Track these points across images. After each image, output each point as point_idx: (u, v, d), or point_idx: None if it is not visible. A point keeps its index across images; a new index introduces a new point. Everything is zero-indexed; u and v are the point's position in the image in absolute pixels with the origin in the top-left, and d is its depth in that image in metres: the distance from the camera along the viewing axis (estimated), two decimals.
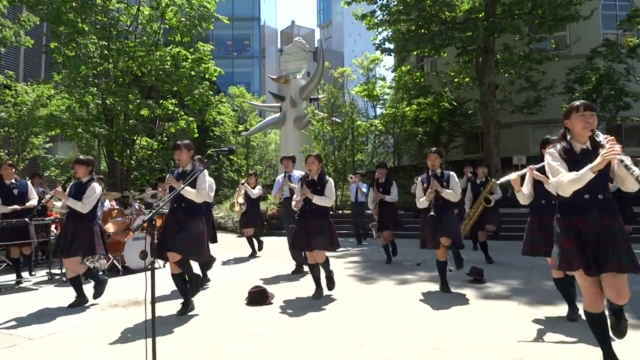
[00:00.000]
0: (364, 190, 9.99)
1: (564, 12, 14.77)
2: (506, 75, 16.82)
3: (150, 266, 2.99)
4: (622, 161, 2.56)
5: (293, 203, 5.33)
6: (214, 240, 6.93)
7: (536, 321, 4.12)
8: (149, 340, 2.87)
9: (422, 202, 5.33)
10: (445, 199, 5.25)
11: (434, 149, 5.52)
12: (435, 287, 5.71)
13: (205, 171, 4.63)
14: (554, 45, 17.54)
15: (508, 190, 10.62)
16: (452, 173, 5.36)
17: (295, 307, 4.85)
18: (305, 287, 5.94)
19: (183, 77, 14.51)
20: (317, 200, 5.19)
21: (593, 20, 16.01)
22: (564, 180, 2.77)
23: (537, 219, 4.26)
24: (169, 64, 14.36)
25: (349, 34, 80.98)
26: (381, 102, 21.40)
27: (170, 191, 4.64)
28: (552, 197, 3.61)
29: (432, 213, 5.18)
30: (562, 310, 4.45)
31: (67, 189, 5.38)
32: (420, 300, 5.06)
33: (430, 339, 3.70)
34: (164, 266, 7.74)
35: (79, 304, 5.12)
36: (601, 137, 2.76)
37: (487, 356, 3.29)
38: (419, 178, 5.51)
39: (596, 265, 2.77)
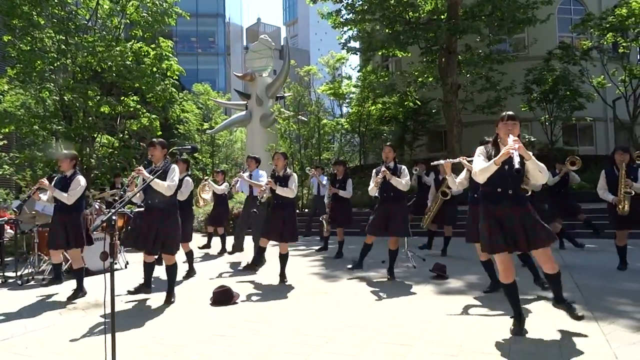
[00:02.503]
0: (325, 183, 10.12)
1: (522, 15, 15.28)
2: (468, 75, 17.24)
3: (109, 267, 2.91)
4: (511, 154, 3.25)
5: (256, 192, 6.11)
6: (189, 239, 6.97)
7: (495, 315, 4.25)
8: (109, 343, 2.80)
9: (371, 188, 5.89)
10: (396, 190, 5.79)
11: (389, 143, 6.16)
12: (399, 283, 5.82)
13: (176, 166, 4.90)
14: (512, 47, 18.09)
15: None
16: (404, 167, 5.94)
17: (261, 307, 4.83)
18: (271, 287, 5.92)
19: (145, 73, 14.15)
20: (279, 191, 5.79)
21: (549, 24, 16.63)
22: (476, 169, 3.61)
23: (474, 209, 4.98)
24: (130, 59, 13.97)
25: (315, 33, 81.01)
26: (347, 100, 21.55)
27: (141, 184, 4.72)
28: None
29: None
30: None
31: (52, 182, 5.57)
32: (385, 297, 5.13)
33: (394, 335, 3.76)
34: (126, 267, 7.55)
35: (76, 296, 5.36)
36: (510, 138, 3.42)
37: (449, 350, 3.37)
38: (374, 170, 6.00)
39: (513, 245, 3.51)
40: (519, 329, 3.62)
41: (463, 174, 4.87)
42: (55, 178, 5.70)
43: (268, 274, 6.71)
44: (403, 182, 5.74)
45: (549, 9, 16.04)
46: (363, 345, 3.53)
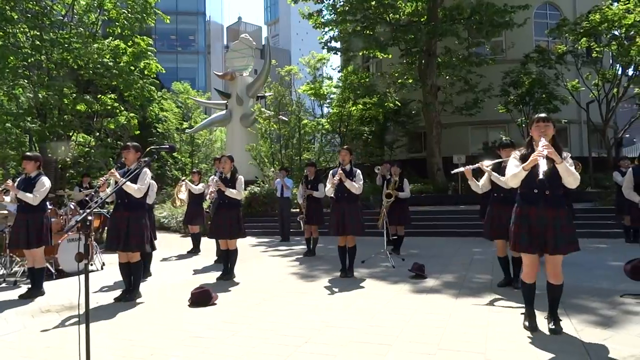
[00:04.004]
0: (289, 185, 10.29)
1: (500, 19, 15.54)
2: (447, 77, 17.46)
3: (84, 269, 2.85)
4: (543, 157, 3.21)
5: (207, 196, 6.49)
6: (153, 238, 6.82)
7: (472, 313, 4.31)
8: (83, 346, 2.75)
9: (328, 189, 6.19)
10: (350, 192, 6.07)
11: (345, 146, 6.52)
12: (378, 283, 5.85)
13: (147, 170, 5.03)
14: (490, 50, 18.39)
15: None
16: (359, 170, 6.22)
17: (240, 307, 4.80)
18: (250, 287, 5.89)
19: (123, 71, 13.93)
20: (229, 192, 6.12)
21: (526, 28, 16.96)
22: (508, 175, 3.63)
23: (494, 207, 5.11)
24: (107, 57, 13.74)
25: (297, 32, 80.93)
26: (328, 101, 21.59)
27: (114, 186, 4.83)
28: (504, 191, 4.81)
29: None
30: (495, 302, 4.69)
31: (16, 183, 5.56)
32: (364, 296, 5.15)
33: (373, 335, 3.78)
34: (102, 268, 7.42)
35: (32, 295, 5.39)
36: (541, 142, 3.36)
37: (427, 349, 3.40)
38: (331, 171, 6.26)
39: (539, 247, 3.52)
40: (534, 324, 3.74)
41: (484, 178, 5.05)
42: (18, 179, 5.70)
43: (247, 275, 6.68)
44: (356, 185, 6.04)
45: (525, 13, 16.36)
46: (342, 345, 3.54)
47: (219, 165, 6.99)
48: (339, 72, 21.25)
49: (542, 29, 19.43)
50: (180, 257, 8.94)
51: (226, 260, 6.42)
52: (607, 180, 12.36)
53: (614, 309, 4.21)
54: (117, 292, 5.38)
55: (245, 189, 14.72)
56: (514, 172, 3.54)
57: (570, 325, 3.84)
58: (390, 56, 17.85)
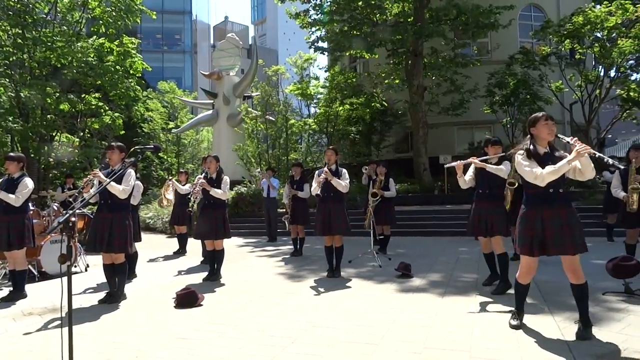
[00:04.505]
0: (275, 185, 10.29)
1: (485, 20, 15.69)
2: (433, 78, 17.58)
3: (67, 270, 2.81)
4: (595, 154, 3.28)
5: (192, 197, 6.43)
6: (138, 239, 6.74)
7: (457, 312, 4.35)
8: (66, 349, 2.71)
9: (314, 188, 6.21)
10: (337, 191, 6.10)
11: (331, 146, 6.55)
12: (365, 282, 5.87)
13: (132, 171, 4.97)
14: (476, 51, 18.56)
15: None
16: (344, 170, 6.25)
17: (226, 308, 4.77)
18: (236, 288, 5.87)
19: (107, 70, 13.77)
20: (213, 192, 6.11)
21: (511, 29, 17.14)
22: (544, 173, 3.40)
23: (477, 204, 5.13)
24: (92, 56, 13.57)
25: (284, 32, 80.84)
26: (315, 101, 21.57)
27: (97, 187, 4.80)
28: (488, 187, 4.99)
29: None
30: (480, 301, 4.73)
31: None
32: (350, 296, 5.16)
33: (359, 334, 3.78)
34: (86, 270, 7.33)
35: (14, 298, 5.31)
36: (567, 138, 3.42)
37: (413, 347, 3.42)
38: (317, 172, 6.30)
39: (545, 249, 3.49)
40: (519, 323, 3.79)
41: (469, 173, 5.09)
42: (1, 180, 5.62)
43: (234, 276, 6.65)
44: (343, 183, 6.06)
45: (510, 15, 16.54)
46: (328, 345, 3.54)
47: (205, 165, 7.01)
48: (325, 72, 21.27)
49: (526, 31, 19.66)
50: (166, 257, 8.87)
51: (212, 260, 6.39)
52: (589, 180, 12.60)
53: (597, 306, 4.28)
54: (102, 294, 5.32)
55: (231, 189, 14.70)
56: (552, 169, 3.37)
57: (554, 322, 3.90)
58: (377, 56, 17.91)
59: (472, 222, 5.18)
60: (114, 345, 3.67)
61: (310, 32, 18.05)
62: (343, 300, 4.97)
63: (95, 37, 14.05)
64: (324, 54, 19.03)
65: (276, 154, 20.00)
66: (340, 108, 19.60)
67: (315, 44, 17.55)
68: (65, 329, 2.73)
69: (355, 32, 16.56)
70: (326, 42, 17.75)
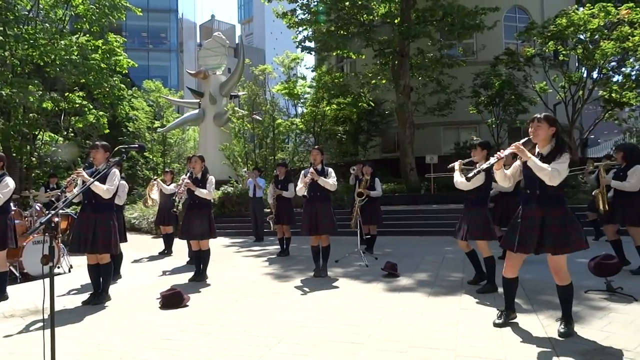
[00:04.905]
0: (261, 185, 10.28)
1: (471, 21, 15.82)
2: (420, 78, 17.67)
3: (49, 271, 2.77)
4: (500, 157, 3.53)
5: (177, 198, 6.35)
6: (123, 239, 6.68)
7: (443, 311, 4.38)
8: (48, 352, 2.66)
9: (300, 188, 6.17)
10: (323, 191, 6.11)
11: (316, 146, 6.51)
12: (351, 282, 5.88)
13: (116, 170, 4.91)
14: (462, 52, 18.71)
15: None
16: (330, 169, 6.27)
17: (212, 309, 4.74)
18: (222, 288, 5.83)
19: (92, 69, 13.58)
20: (198, 192, 6.07)
21: (496, 31, 17.31)
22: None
23: (464, 208, 5.24)
24: (75, 54, 13.38)
25: (271, 32, 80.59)
26: (302, 101, 21.57)
27: (81, 186, 4.73)
28: (474, 192, 5.02)
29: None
30: (466, 300, 4.78)
31: None
32: (337, 296, 5.17)
33: (345, 334, 3.79)
34: (69, 271, 7.22)
35: None
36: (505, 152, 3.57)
37: (399, 347, 3.44)
38: (302, 172, 6.33)
39: (525, 247, 3.57)
40: (504, 321, 3.83)
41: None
42: None
43: (220, 276, 6.61)
44: (330, 182, 6.06)
45: (495, 16, 16.71)
46: (315, 344, 3.54)
47: (190, 164, 6.96)
48: (312, 71, 21.27)
49: (511, 32, 19.87)
50: (152, 258, 8.79)
51: (198, 261, 6.35)
52: (572, 179, 12.73)
53: (579, 304, 4.34)
54: (85, 295, 5.25)
55: (218, 189, 14.62)
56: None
57: (537, 320, 3.95)
58: (364, 57, 17.96)
59: (457, 224, 5.27)
60: (98, 347, 3.63)
61: (297, 32, 18.03)
62: (330, 300, 4.97)
63: (79, 34, 13.85)
64: (311, 54, 19.01)
65: (263, 154, 19.95)
66: (328, 108, 19.63)
67: (303, 43, 17.52)
68: (48, 331, 2.69)
69: (342, 32, 16.58)
70: (313, 42, 17.73)
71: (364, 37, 15.92)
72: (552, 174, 3.39)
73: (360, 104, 18.94)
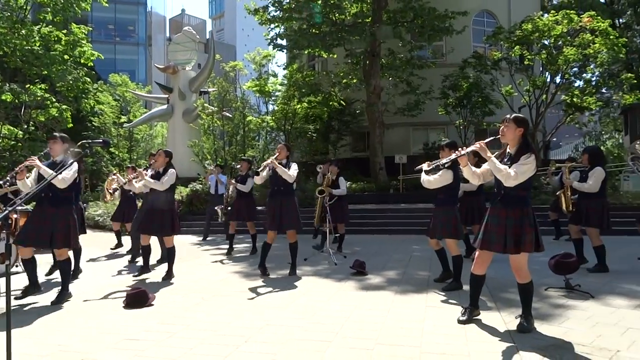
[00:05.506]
0: (223, 181, 10.20)
1: (441, 24, 16.10)
2: (390, 78, 17.87)
3: (5, 270, 2.66)
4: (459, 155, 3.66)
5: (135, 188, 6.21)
6: (83, 231, 6.52)
7: (410, 309, 4.44)
8: (3, 353, 2.56)
9: (260, 177, 5.91)
10: (286, 185, 6.01)
11: (284, 143, 6.47)
12: (320, 280, 5.89)
13: (76, 164, 4.67)
14: (431, 54, 19.02)
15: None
16: (294, 163, 6.15)
17: (178, 308, 4.66)
18: (189, 287, 5.74)
19: (55, 60, 13.12)
20: (147, 181, 5.90)
21: (465, 34, 17.67)
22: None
23: (434, 209, 5.43)
24: (38, 44, 12.90)
25: (242, 28, 79.80)
26: (273, 98, 21.46)
27: (38, 182, 4.62)
28: (442, 192, 5.18)
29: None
30: (432, 298, 4.86)
31: None
32: (306, 294, 5.17)
33: (313, 332, 3.79)
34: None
35: None
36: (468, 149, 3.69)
37: (365, 344, 3.46)
38: (264, 163, 6.15)
39: (489, 245, 3.68)
40: (468, 318, 3.90)
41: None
42: None
43: (187, 274, 6.51)
44: (289, 172, 5.90)
45: (464, 20, 17.06)
46: (282, 343, 3.53)
47: (152, 158, 6.81)
48: (284, 69, 21.19)
49: (480, 36, 20.30)
50: (116, 256, 8.56)
51: (146, 256, 6.27)
52: (535, 180, 13.16)
53: (539, 301, 4.48)
54: (45, 295, 5.07)
55: (186, 187, 14.39)
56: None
57: (500, 317, 4.05)
58: (335, 56, 18.01)
59: (429, 223, 5.41)
60: (57, 348, 3.51)
61: (269, 29, 17.92)
62: (298, 298, 4.96)
63: (41, 24, 13.35)
64: (282, 52, 18.94)
65: (233, 151, 19.76)
66: (298, 106, 19.60)
67: (274, 41, 17.42)
68: (3, 333, 2.58)
69: (313, 30, 16.58)
70: (285, 40, 17.67)
71: (336, 36, 15.96)
72: (508, 175, 3.48)
73: (331, 103, 18.99)
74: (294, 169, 6.00)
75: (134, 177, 6.04)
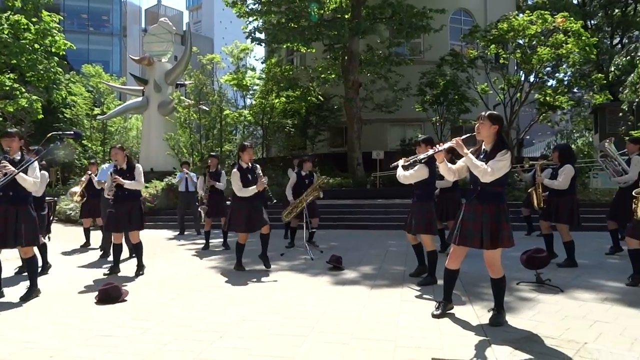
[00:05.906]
0: (195, 180, 10.09)
1: (419, 21, 16.21)
2: (368, 74, 17.91)
3: None
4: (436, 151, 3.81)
5: (105, 192, 6.19)
6: (48, 231, 6.45)
7: (385, 303, 4.48)
8: None
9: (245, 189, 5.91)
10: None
11: (247, 143, 6.39)
12: (296, 275, 5.89)
13: (36, 162, 4.66)
14: (409, 51, 19.15)
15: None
16: (257, 165, 6.19)
17: (152, 304, 4.60)
18: (164, 282, 5.67)
19: (24, 49, 12.72)
20: (128, 185, 5.85)
21: (442, 32, 17.84)
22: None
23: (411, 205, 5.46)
24: (6, 32, 12.48)
25: (220, 20, 78.77)
26: (250, 92, 21.29)
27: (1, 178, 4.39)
28: (419, 188, 5.26)
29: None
30: (407, 292, 4.91)
31: None
32: (282, 289, 5.16)
33: (289, 327, 3.79)
34: None
35: None
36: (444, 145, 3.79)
37: (341, 338, 3.48)
38: (235, 169, 6.11)
39: (465, 241, 3.73)
40: (442, 312, 3.95)
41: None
42: None
43: (161, 270, 6.42)
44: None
45: (442, 19, 17.23)
46: (257, 338, 3.51)
47: (117, 155, 6.64)
48: (262, 63, 21.02)
49: (456, 34, 20.55)
50: (87, 250, 8.37)
51: (117, 255, 6.18)
52: (509, 177, 13.44)
53: (511, 295, 4.58)
54: (12, 290, 4.93)
55: (161, 181, 14.18)
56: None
57: (473, 311, 4.13)
58: (314, 51, 17.96)
59: (407, 219, 5.48)
60: (25, 346, 3.42)
61: (247, 22, 17.74)
62: (274, 293, 4.95)
63: (10, 12, 12.90)
64: (261, 45, 18.77)
65: (209, 145, 19.54)
66: (276, 100, 19.49)
67: (252, 34, 17.26)
68: None
69: (292, 24, 16.48)
70: (263, 34, 17.52)
71: (315, 31, 15.91)
72: (484, 171, 3.55)
73: (309, 98, 18.95)
74: (260, 175, 6.05)
75: (110, 189, 5.96)
